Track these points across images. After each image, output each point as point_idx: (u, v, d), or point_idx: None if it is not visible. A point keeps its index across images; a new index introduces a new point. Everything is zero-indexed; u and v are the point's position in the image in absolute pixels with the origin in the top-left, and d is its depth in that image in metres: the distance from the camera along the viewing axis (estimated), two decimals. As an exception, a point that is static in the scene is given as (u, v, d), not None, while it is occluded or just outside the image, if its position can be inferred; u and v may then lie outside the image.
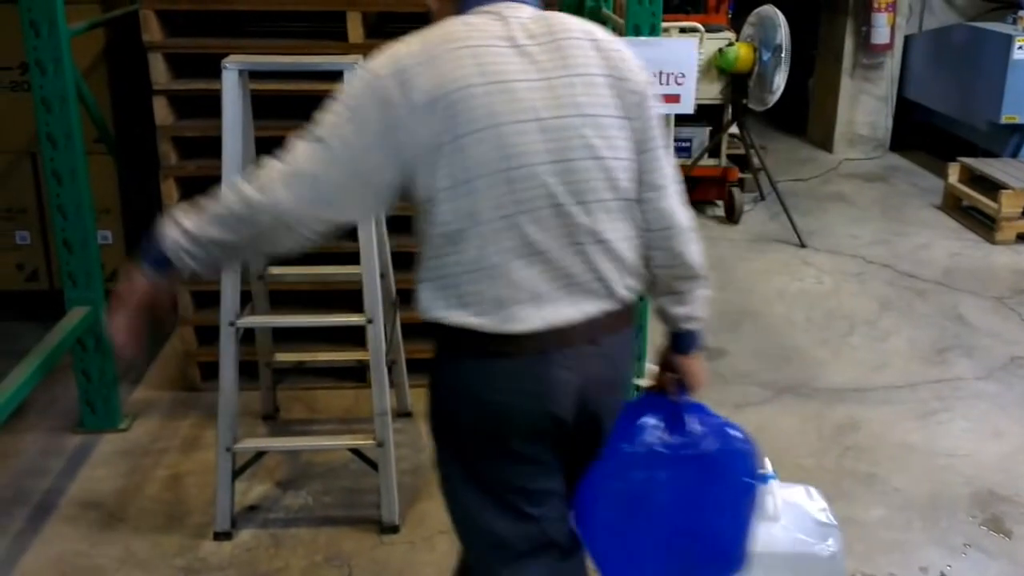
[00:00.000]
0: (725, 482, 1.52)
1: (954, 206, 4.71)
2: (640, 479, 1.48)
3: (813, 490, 1.89)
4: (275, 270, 2.56)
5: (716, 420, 1.54)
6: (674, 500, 1.50)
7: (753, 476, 1.55)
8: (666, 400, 1.54)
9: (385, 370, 2.24)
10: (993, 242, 4.29)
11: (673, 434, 1.51)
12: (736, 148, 4.71)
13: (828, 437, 2.71)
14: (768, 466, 1.90)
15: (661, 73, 2.50)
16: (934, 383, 3.04)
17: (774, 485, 1.84)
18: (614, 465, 1.48)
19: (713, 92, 4.44)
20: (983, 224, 4.44)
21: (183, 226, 1.38)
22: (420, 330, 3.04)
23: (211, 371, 2.80)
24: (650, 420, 1.52)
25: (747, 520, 1.56)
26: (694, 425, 1.52)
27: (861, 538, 2.26)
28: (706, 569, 1.57)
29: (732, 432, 1.54)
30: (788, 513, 1.80)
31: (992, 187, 4.41)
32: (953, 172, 4.70)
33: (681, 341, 1.53)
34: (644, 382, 1.74)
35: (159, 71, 2.64)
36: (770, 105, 4.32)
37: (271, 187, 1.31)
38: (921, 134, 5.73)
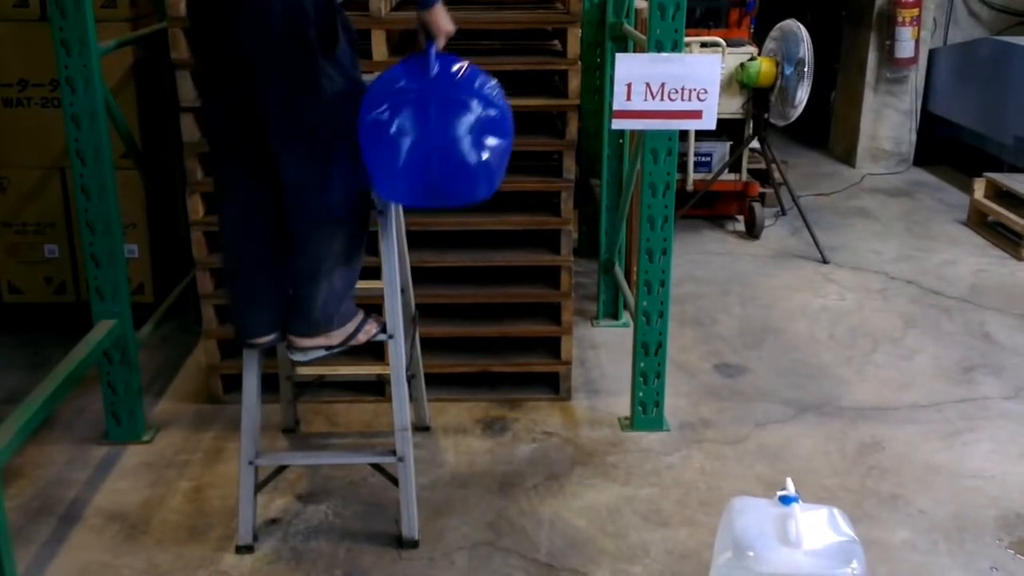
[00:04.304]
0: (466, 112, 1.94)
1: (980, 222, 4.66)
2: (395, 109, 1.92)
3: (836, 511, 1.88)
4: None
5: (462, 65, 1.99)
6: (424, 125, 1.92)
7: (491, 106, 1.97)
8: (424, 54, 1.99)
9: (406, 385, 2.24)
10: (1020, 258, 4.23)
11: (424, 76, 1.96)
12: (757, 163, 4.69)
13: (851, 457, 2.69)
14: (791, 487, 1.89)
15: (683, 89, 2.49)
16: (960, 402, 3.00)
17: (796, 507, 1.82)
18: (372, 99, 1.95)
19: (734, 107, 4.43)
20: (1009, 240, 4.39)
21: None
22: (439, 345, 3.04)
23: (233, 384, 2.83)
24: (408, 67, 1.99)
25: (487, 147, 1.96)
26: (442, 68, 1.97)
27: (885, 561, 2.23)
28: (451, 185, 1.98)
29: (476, 75, 1.99)
30: (811, 535, 1.79)
31: (1018, 203, 4.36)
32: (979, 187, 4.65)
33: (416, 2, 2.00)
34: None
35: (186, 88, 2.68)
36: (792, 120, 4.31)
37: None
38: (946, 149, 5.67)
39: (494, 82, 2.01)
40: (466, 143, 1.93)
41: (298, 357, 2.22)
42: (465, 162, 1.94)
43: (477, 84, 1.98)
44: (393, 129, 1.91)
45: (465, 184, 1.98)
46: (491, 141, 1.96)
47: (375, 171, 1.97)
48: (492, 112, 1.96)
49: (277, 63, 1.94)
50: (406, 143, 1.92)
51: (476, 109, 1.94)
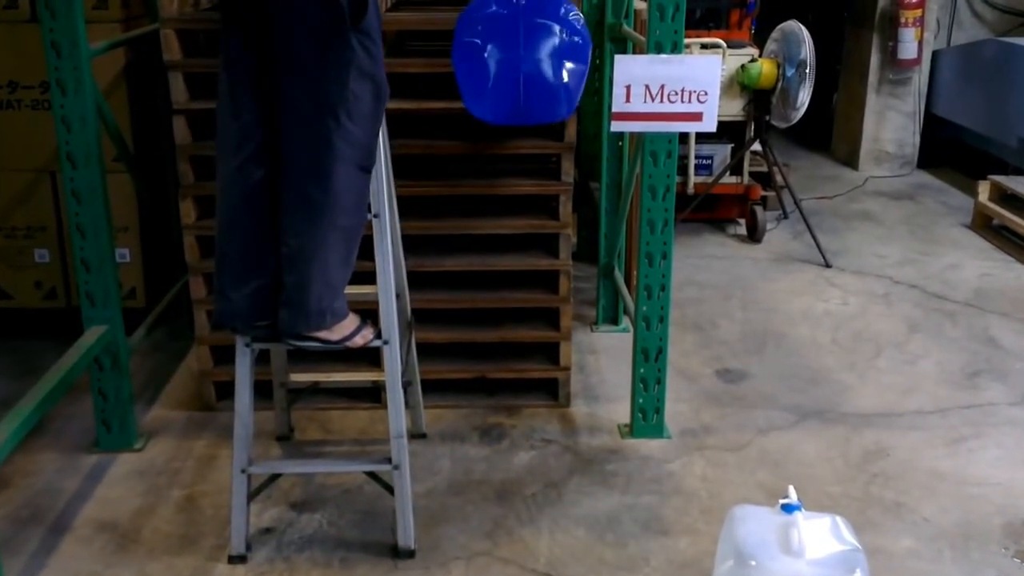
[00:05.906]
0: (551, 36, 2.13)
1: (984, 225, 4.62)
2: (487, 32, 2.10)
3: (840, 520, 1.84)
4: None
5: None
6: (513, 48, 2.10)
7: (573, 31, 2.18)
8: None
9: (401, 391, 2.21)
10: (1024, 262, 4.20)
11: (513, 1, 2.13)
12: (759, 165, 4.65)
13: (855, 464, 2.64)
14: (793, 495, 1.85)
15: (683, 91, 2.46)
16: (965, 408, 2.96)
17: (799, 515, 1.78)
18: (466, 22, 2.12)
19: (735, 109, 4.40)
20: (1014, 244, 4.35)
21: None
22: (436, 350, 3.00)
23: (226, 391, 2.79)
24: None
25: (569, 70, 2.17)
26: None
27: (889, 569, 2.19)
28: (535, 104, 2.19)
29: (561, 1, 2.16)
30: (814, 544, 1.75)
31: (1023, 206, 4.32)
32: (983, 190, 4.61)
33: None
34: None
35: (179, 91, 2.65)
36: (794, 122, 4.27)
37: None
38: (950, 151, 5.64)
39: (575, 9, 2.19)
40: (550, 65, 2.14)
41: (293, 341, 2.16)
42: (549, 83, 2.15)
43: (562, 11, 2.17)
44: (486, 52, 2.10)
45: (548, 104, 2.19)
46: (571, 65, 2.18)
47: (466, 91, 2.16)
48: (574, 38, 2.17)
49: (304, 23, 1.89)
50: (496, 64, 2.11)
51: (560, 34, 2.15)
